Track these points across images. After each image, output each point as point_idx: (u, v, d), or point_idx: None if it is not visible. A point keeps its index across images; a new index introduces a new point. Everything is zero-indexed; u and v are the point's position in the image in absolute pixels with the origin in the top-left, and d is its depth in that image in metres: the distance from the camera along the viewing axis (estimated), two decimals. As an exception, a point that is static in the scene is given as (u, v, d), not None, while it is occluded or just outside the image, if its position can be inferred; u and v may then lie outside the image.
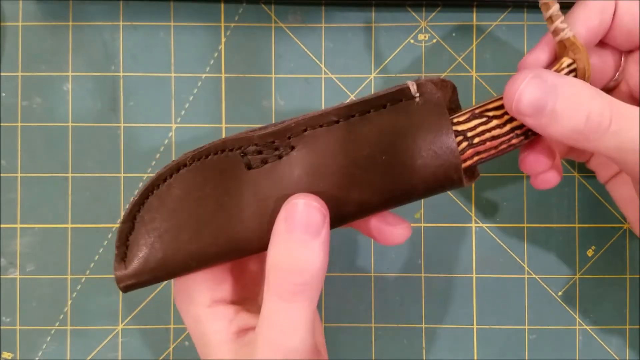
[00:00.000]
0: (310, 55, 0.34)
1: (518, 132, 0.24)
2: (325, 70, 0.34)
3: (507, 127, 0.24)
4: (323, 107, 0.34)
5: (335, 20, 0.34)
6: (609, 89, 0.28)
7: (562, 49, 0.25)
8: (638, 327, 0.34)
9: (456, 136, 0.24)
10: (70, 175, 0.34)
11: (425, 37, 0.34)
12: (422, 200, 0.34)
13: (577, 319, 0.34)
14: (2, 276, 0.34)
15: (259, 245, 0.24)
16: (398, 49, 0.34)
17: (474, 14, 0.34)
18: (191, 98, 0.34)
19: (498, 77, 0.34)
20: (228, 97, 0.34)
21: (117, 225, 0.25)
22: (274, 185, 0.24)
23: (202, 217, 0.24)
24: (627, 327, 0.34)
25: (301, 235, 0.23)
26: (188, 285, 0.26)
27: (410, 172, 0.24)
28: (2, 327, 0.34)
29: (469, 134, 0.24)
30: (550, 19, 0.24)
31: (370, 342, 0.34)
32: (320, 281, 0.23)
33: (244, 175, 0.24)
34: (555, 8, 0.24)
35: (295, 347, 0.23)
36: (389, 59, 0.34)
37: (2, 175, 0.34)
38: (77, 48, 0.34)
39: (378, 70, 0.34)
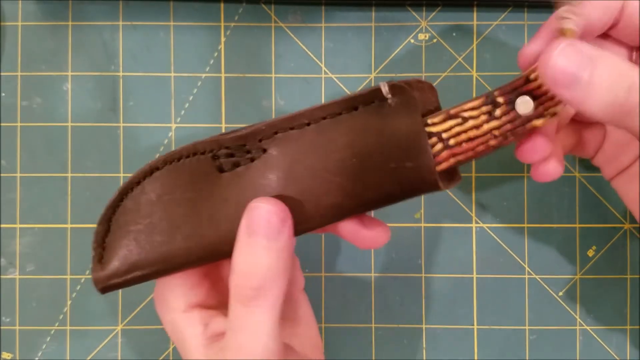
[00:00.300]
0: (310, 55, 0.34)
1: (496, 132, 0.24)
2: (325, 70, 0.34)
3: (485, 128, 0.24)
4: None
5: (335, 20, 0.34)
6: None
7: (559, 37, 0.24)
8: (638, 327, 0.34)
9: (430, 137, 0.23)
10: (69, 175, 0.34)
11: (425, 37, 0.34)
12: (422, 200, 0.34)
13: (578, 319, 0.34)
14: (1, 276, 0.34)
15: (231, 249, 0.24)
16: (398, 49, 0.34)
17: (474, 14, 0.34)
18: (191, 98, 0.34)
19: (498, 77, 0.34)
20: (228, 97, 0.34)
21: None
22: (245, 188, 0.24)
23: (175, 221, 0.24)
24: (628, 327, 0.34)
25: (259, 239, 0.23)
26: (164, 290, 0.26)
27: (382, 176, 0.23)
28: (1, 327, 0.34)
29: (444, 136, 0.24)
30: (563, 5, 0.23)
31: (370, 342, 0.34)
32: (279, 285, 0.23)
33: (216, 178, 0.24)
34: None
35: (258, 352, 0.23)
36: (389, 59, 0.34)
37: (2, 175, 0.34)
38: (76, 48, 0.34)
39: (378, 70, 0.34)
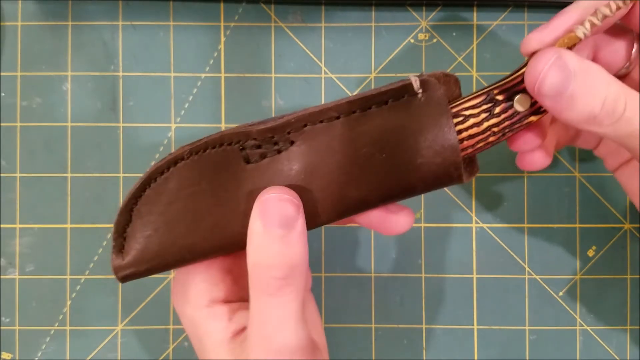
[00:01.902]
0: (310, 55, 0.34)
1: (495, 129, 0.24)
2: (325, 70, 0.34)
3: (484, 125, 0.24)
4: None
5: (335, 20, 0.34)
6: (619, 77, 0.28)
7: (564, 38, 0.24)
8: (638, 327, 0.34)
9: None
10: (69, 175, 0.34)
11: (425, 36, 0.34)
12: (422, 200, 0.34)
13: (578, 319, 0.34)
14: (1, 276, 0.34)
15: None
16: (398, 49, 0.34)
17: (474, 14, 0.34)
18: (191, 98, 0.34)
19: (498, 77, 0.34)
20: (228, 97, 0.34)
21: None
22: (271, 180, 0.24)
23: (199, 211, 0.24)
24: (628, 327, 0.34)
25: (276, 230, 0.23)
26: (185, 285, 0.26)
27: (409, 170, 0.23)
28: (1, 328, 0.34)
29: None
30: (596, 11, 0.23)
31: (370, 342, 0.34)
32: (303, 272, 0.23)
33: (241, 169, 0.24)
34: (604, 10, 0.23)
35: (285, 342, 0.23)
36: (389, 59, 0.34)
37: (1, 175, 0.34)
38: (76, 48, 0.34)
39: (378, 70, 0.34)
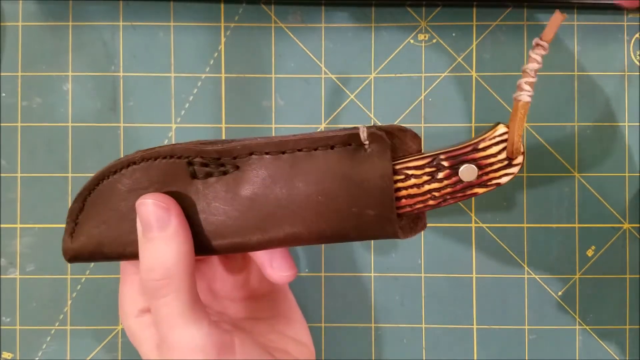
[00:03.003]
0: (310, 55, 0.34)
1: (436, 194, 0.24)
2: (325, 70, 0.34)
3: (425, 188, 0.24)
4: (320, 117, 0.34)
5: (335, 20, 0.34)
6: None
7: (514, 107, 0.24)
8: (638, 327, 0.34)
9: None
10: (70, 175, 0.34)
11: (425, 37, 0.34)
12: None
13: (577, 319, 0.34)
14: (2, 276, 0.34)
15: None
16: (398, 49, 0.34)
17: (474, 14, 0.34)
18: (191, 98, 0.34)
19: (498, 77, 0.34)
20: (228, 97, 0.34)
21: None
22: (213, 198, 0.25)
23: None
24: (627, 327, 0.34)
25: (151, 233, 0.24)
26: (121, 296, 0.27)
27: (343, 218, 0.24)
28: (2, 327, 0.34)
29: None
30: (525, 72, 0.24)
31: (370, 342, 0.34)
32: (182, 271, 0.24)
33: (187, 184, 0.25)
34: (532, 66, 0.23)
35: (179, 340, 0.24)
36: (389, 59, 0.34)
37: (2, 175, 0.34)
38: (77, 48, 0.34)
39: (378, 70, 0.34)
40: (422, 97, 0.34)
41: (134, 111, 0.34)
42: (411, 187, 0.24)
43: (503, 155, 0.24)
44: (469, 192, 0.24)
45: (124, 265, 0.27)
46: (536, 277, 0.34)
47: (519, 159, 0.24)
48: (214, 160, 0.24)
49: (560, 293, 0.34)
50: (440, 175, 0.24)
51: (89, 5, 0.34)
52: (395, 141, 0.24)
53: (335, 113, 0.34)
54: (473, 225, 0.34)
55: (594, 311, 0.34)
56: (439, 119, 0.34)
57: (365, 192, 0.24)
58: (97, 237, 0.26)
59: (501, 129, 0.24)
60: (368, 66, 0.34)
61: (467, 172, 0.24)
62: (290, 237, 0.24)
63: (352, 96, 0.34)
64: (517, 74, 0.34)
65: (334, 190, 0.24)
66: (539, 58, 0.23)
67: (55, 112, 0.34)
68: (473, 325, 0.34)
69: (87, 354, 0.34)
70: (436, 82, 0.34)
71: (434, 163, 0.24)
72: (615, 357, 0.34)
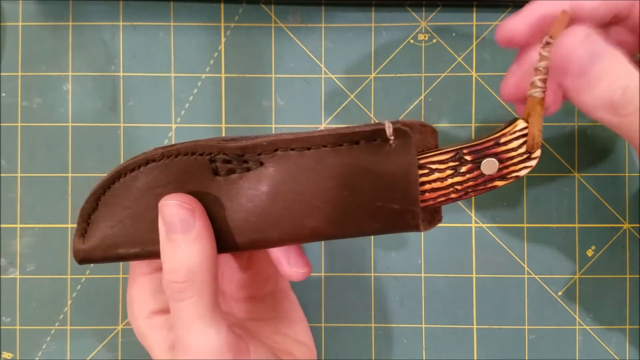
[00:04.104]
0: (310, 55, 0.34)
1: (458, 187, 0.25)
2: (325, 70, 0.34)
3: (448, 182, 0.25)
4: (319, 114, 0.34)
5: (335, 20, 0.34)
6: None
7: (529, 104, 0.24)
8: (638, 327, 0.34)
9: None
10: (70, 175, 0.34)
11: (425, 37, 0.34)
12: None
13: (577, 319, 0.34)
14: (2, 276, 0.34)
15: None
16: (398, 49, 0.34)
17: (474, 14, 0.34)
18: (191, 98, 0.34)
19: (498, 77, 0.34)
20: (228, 97, 0.34)
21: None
22: (236, 195, 0.24)
23: None
24: (627, 327, 0.34)
25: (175, 235, 0.23)
26: (130, 298, 0.26)
27: (368, 212, 0.24)
28: (2, 327, 0.34)
29: None
30: (537, 70, 0.24)
31: (370, 342, 0.34)
32: (205, 274, 0.24)
33: (209, 180, 0.25)
34: (544, 64, 0.24)
35: (196, 343, 0.24)
36: (389, 59, 0.34)
37: (2, 175, 0.34)
38: (77, 48, 0.34)
39: (378, 70, 0.34)
40: (422, 97, 0.34)
41: (134, 111, 0.34)
42: (435, 181, 0.24)
43: (523, 149, 0.24)
44: (489, 185, 0.25)
45: (134, 266, 0.27)
46: (536, 277, 0.34)
47: (538, 152, 0.24)
48: (237, 157, 0.24)
49: (560, 293, 0.34)
50: (463, 169, 0.24)
51: (89, 5, 0.34)
52: (416, 136, 0.24)
53: (335, 113, 0.34)
54: (473, 225, 0.34)
55: (594, 311, 0.34)
56: (439, 119, 0.34)
57: (390, 187, 0.24)
58: (112, 238, 0.25)
59: (521, 124, 0.24)
60: (368, 66, 0.34)
61: (489, 165, 0.24)
62: (313, 232, 0.24)
63: (352, 96, 0.34)
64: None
65: (359, 185, 0.24)
66: (549, 55, 0.24)
67: (55, 112, 0.34)
68: (473, 325, 0.34)
69: (87, 354, 0.34)
70: (436, 82, 0.34)
71: (457, 157, 0.24)
72: (615, 357, 0.34)
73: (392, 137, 0.24)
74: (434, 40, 0.34)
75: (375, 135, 0.24)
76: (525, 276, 0.34)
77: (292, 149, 0.24)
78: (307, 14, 0.34)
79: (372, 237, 0.34)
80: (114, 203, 0.25)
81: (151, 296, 0.26)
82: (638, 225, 0.34)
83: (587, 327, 0.34)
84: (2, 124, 0.34)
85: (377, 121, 0.33)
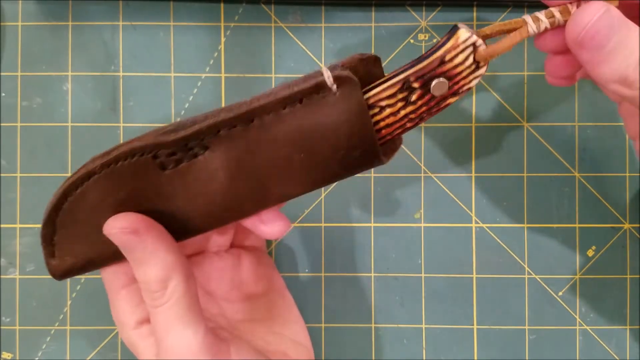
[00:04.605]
0: (310, 55, 0.34)
1: (412, 116, 0.24)
2: (325, 70, 0.34)
3: (402, 114, 0.24)
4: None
5: (335, 20, 0.34)
6: None
7: (516, 30, 0.24)
8: (638, 327, 0.34)
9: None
10: (69, 175, 0.34)
11: (425, 37, 0.34)
12: (422, 200, 0.34)
13: (578, 319, 0.34)
14: (2, 276, 0.34)
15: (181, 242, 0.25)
16: (398, 49, 0.34)
17: (474, 14, 0.34)
18: (191, 98, 0.34)
19: (498, 77, 0.34)
20: (228, 97, 0.34)
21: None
22: (191, 183, 0.24)
23: None
24: (628, 327, 0.34)
25: (132, 255, 0.24)
26: (115, 308, 0.27)
27: (329, 165, 0.24)
28: (2, 327, 0.34)
29: None
30: (549, 13, 0.23)
31: (370, 342, 0.34)
32: (176, 278, 0.24)
33: (158, 176, 0.24)
34: (553, 20, 0.23)
35: (174, 343, 0.24)
36: (389, 59, 0.34)
37: (2, 175, 0.34)
38: (77, 48, 0.34)
39: (378, 70, 0.34)
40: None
41: (134, 111, 0.34)
42: (388, 117, 0.24)
43: (470, 61, 0.23)
44: (443, 105, 0.24)
45: (111, 280, 0.27)
46: (536, 277, 0.34)
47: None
48: (181, 147, 0.24)
49: (560, 293, 0.34)
50: (414, 97, 0.24)
51: (89, 5, 0.34)
52: (360, 73, 0.23)
53: (335, 113, 0.34)
54: (473, 225, 0.34)
55: (595, 311, 0.34)
56: (439, 119, 0.34)
57: (346, 136, 0.23)
58: (83, 254, 0.25)
59: (463, 34, 0.23)
60: (368, 66, 0.34)
61: (439, 86, 0.24)
62: (282, 196, 0.24)
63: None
64: (517, 73, 0.34)
65: (314, 144, 0.23)
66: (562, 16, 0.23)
67: (55, 112, 0.34)
68: (473, 325, 0.34)
69: (87, 354, 0.34)
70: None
71: (405, 87, 0.24)
72: (616, 357, 0.34)
73: (334, 86, 0.23)
74: (434, 40, 0.34)
75: (316, 89, 0.23)
76: (526, 276, 0.34)
77: (234, 126, 0.23)
78: (307, 14, 0.34)
79: (373, 236, 0.34)
80: (71, 221, 0.25)
81: (135, 307, 0.26)
82: (638, 225, 0.34)
83: (588, 327, 0.34)
84: (2, 124, 0.34)
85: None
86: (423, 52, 0.34)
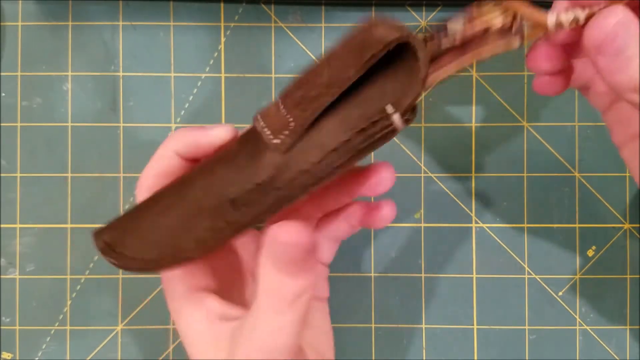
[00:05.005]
0: (311, 55, 0.34)
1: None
2: (325, 70, 0.34)
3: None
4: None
5: (335, 20, 0.34)
6: None
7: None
8: (638, 327, 0.34)
9: None
10: (69, 175, 0.34)
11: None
12: (422, 200, 0.34)
13: (578, 319, 0.34)
14: (2, 276, 0.34)
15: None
16: (398, 49, 0.34)
17: (474, 14, 0.34)
18: (191, 98, 0.34)
19: (498, 77, 0.34)
20: (228, 97, 0.34)
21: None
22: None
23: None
24: (628, 327, 0.34)
25: (287, 267, 0.22)
26: (167, 280, 0.26)
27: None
28: (1, 327, 0.34)
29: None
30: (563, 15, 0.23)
31: (370, 342, 0.34)
32: (309, 293, 0.23)
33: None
34: (569, 18, 0.23)
35: (280, 349, 0.23)
36: (389, 59, 0.34)
37: (2, 175, 0.34)
38: (76, 48, 0.34)
39: (378, 70, 0.34)
40: (422, 97, 0.34)
41: (134, 111, 0.34)
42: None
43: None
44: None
45: None
46: (536, 277, 0.34)
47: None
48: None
49: (560, 293, 0.34)
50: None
51: (89, 5, 0.34)
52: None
53: (335, 113, 0.34)
54: (473, 225, 0.34)
55: (595, 311, 0.34)
56: (439, 119, 0.34)
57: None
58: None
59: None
60: (368, 66, 0.34)
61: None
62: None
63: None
64: (517, 73, 0.34)
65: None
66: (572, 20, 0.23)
67: (55, 112, 0.34)
68: (473, 325, 0.34)
69: (87, 354, 0.34)
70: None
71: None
72: (616, 357, 0.34)
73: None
74: (434, 40, 0.34)
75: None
76: (526, 276, 0.34)
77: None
78: (307, 13, 0.34)
79: (372, 236, 0.34)
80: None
81: (190, 274, 0.26)
82: (638, 225, 0.34)
83: (588, 327, 0.34)
84: (2, 124, 0.34)
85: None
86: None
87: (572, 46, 0.25)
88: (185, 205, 0.24)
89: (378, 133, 0.23)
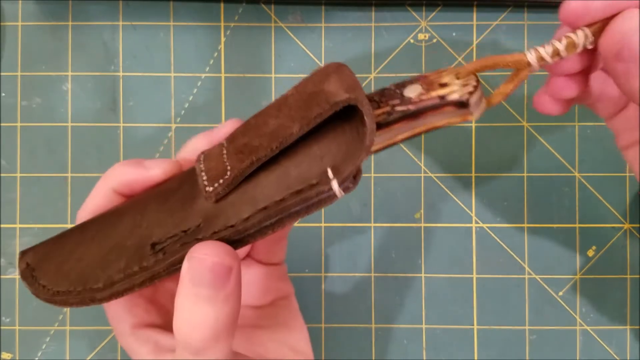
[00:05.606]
0: (310, 55, 0.34)
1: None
2: (325, 70, 0.34)
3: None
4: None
5: (335, 20, 0.34)
6: None
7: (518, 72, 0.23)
8: (638, 327, 0.34)
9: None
10: (69, 175, 0.34)
11: (425, 36, 0.34)
12: (422, 200, 0.34)
13: (578, 319, 0.34)
14: (2, 276, 0.34)
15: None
16: (398, 49, 0.34)
17: (474, 14, 0.34)
18: (191, 98, 0.34)
19: (498, 77, 0.34)
20: (228, 97, 0.34)
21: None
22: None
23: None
24: (628, 327, 0.34)
25: (203, 290, 0.21)
26: (112, 318, 0.26)
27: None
28: (1, 328, 0.34)
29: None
30: (557, 45, 0.22)
31: (370, 342, 0.34)
32: (230, 331, 0.22)
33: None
34: (566, 43, 0.22)
35: None
36: (389, 59, 0.34)
37: (2, 175, 0.34)
38: (76, 48, 0.34)
39: (378, 70, 0.34)
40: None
41: (134, 111, 0.34)
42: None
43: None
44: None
45: None
46: (536, 277, 0.34)
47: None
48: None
49: (560, 293, 0.34)
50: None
51: (89, 5, 0.34)
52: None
53: (335, 113, 0.34)
54: (473, 225, 0.34)
55: (595, 311, 0.34)
56: (439, 119, 0.34)
57: None
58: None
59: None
60: (368, 66, 0.34)
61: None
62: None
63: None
64: (517, 73, 0.34)
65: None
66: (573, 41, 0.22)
67: (55, 112, 0.34)
68: (473, 325, 0.34)
69: (86, 354, 0.34)
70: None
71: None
72: (616, 357, 0.34)
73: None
74: (434, 40, 0.34)
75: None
76: (526, 276, 0.34)
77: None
78: (307, 13, 0.34)
79: (372, 236, 0.34)
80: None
81: (126, 313, 0.25)
82: (638, 225, 0.34)
83: (588, 328, 0.34)
84: (2, 124, 0.34)
85: None
86: (423, 52, 0.34)
87: (580, 73, 0.25)
88: (109, 239, 0.23)
89: (314, 197, 0.21)
